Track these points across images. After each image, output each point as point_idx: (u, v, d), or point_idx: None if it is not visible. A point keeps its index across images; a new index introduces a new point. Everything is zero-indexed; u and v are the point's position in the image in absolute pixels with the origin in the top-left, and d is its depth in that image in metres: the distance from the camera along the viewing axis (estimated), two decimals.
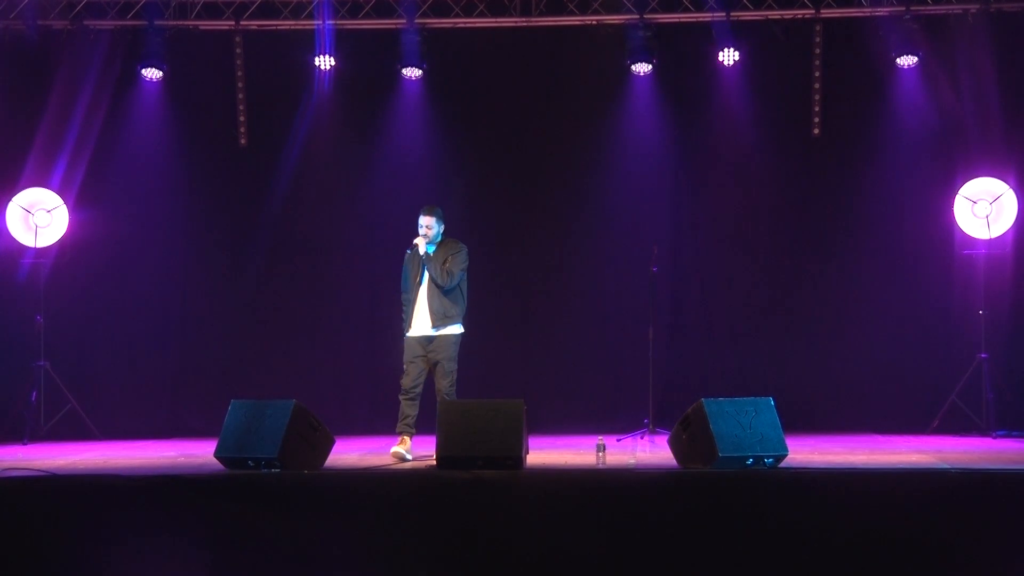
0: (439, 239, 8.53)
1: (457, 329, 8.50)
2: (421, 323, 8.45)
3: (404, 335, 8.50)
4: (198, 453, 8.54)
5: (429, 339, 8.43)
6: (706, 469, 6.86)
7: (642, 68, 10.77)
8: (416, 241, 8.48)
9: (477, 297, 10.43)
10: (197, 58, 11.07)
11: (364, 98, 11.16)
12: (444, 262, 8.43)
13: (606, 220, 11.04)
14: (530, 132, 11.09)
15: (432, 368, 8.47)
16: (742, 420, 6.93)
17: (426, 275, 8.46)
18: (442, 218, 8.55)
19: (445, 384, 8.39)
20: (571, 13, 10.90)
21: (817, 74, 10.74)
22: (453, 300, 8.48)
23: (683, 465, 7.21)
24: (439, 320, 8.41)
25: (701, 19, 10.77)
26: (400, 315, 8.61)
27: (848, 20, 10.74)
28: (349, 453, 8.44)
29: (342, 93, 11.07)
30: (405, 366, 8.47)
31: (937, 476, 6.65)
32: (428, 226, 8.48)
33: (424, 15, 10.87)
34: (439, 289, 8.42)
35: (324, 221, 11.19)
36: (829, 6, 10.70)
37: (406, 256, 8.61)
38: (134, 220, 11.05)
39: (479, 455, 6.95)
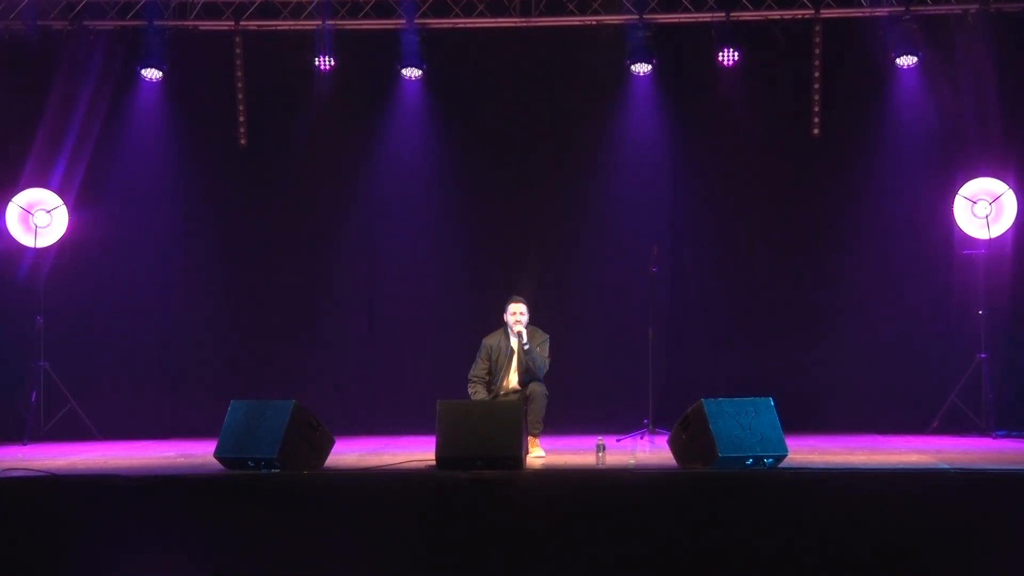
0: None
1: None
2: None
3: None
4: (198, 453, 8.53)
5: None
6: (706, 469, 6.86)
7: (642, 68, 10.76)
8: (519, 330, 8.44)
9: (476, 297, 10.46)
10: (197, 58, 11.07)
11: (364, 98, 11.15)
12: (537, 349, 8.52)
13: (606, 220, 11.03)
14: (530, 132, 11.08)
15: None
16: (742, 420, 6.93)
17: (515, 365, 8.51)
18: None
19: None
20: (571, 13, 10.89)
21: (817, 74, 10.73)
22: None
23: (683, 465, 7.21)
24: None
25: (701, 19, 10.76)
26: (467, 392, 8.59)
27: (848, 20, 10.73)
28: (349, 453, 8.43)
29: (342, 93, 11.06)
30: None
31: (937, 476, 6.66)
32: (523, 312, 8.52)
33: (424, 15, 10.86)
34: (529, 373, 8.50)
35: (324, 221, 11.19)
36: (829, 6, 10.70)
37: (489, 345, 8.60)
38: (134, 220, 11.04)
39: (479, 455, 6.96)
